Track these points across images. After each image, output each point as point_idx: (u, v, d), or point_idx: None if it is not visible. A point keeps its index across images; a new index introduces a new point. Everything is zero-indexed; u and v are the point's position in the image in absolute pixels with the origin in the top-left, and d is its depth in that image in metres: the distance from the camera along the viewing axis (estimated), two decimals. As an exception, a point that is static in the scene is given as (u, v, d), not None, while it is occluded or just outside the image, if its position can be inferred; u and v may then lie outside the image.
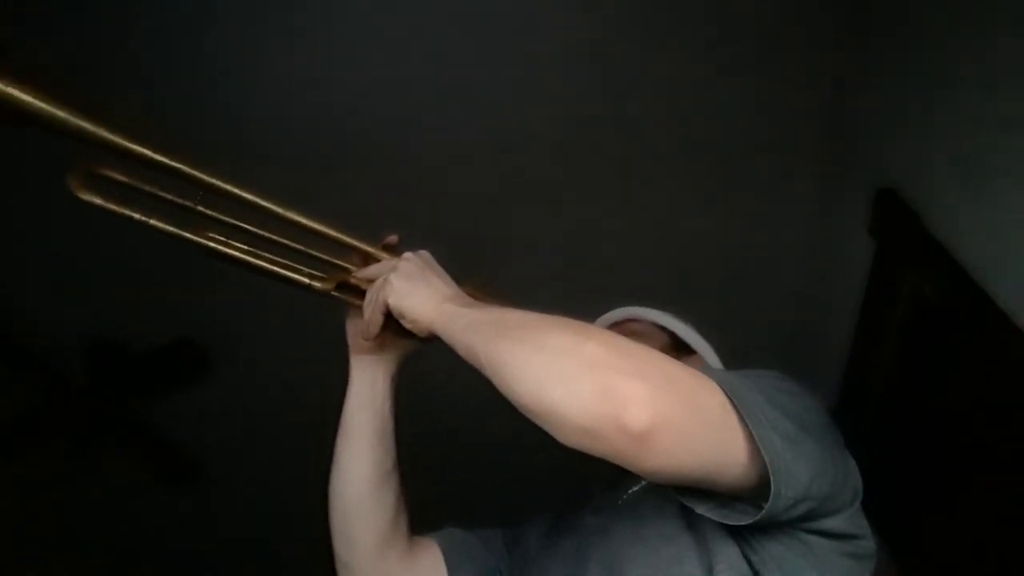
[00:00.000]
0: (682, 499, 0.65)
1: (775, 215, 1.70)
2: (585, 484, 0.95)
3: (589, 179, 1.66)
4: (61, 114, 0.66)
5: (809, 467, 0.62)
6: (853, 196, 1.43)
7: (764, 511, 0.60)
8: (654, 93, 1.57)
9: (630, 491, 0.87)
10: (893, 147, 1.33)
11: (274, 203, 0.81)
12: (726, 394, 0.60)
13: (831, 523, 0.68)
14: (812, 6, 1.50)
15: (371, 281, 0.85)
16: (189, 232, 0.80)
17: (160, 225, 0.77)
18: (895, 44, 1.34)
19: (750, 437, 0.59)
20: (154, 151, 0.72)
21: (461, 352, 0.70)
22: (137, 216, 0.76)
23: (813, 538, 0.68)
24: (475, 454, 1.85)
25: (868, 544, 0.73)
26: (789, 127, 1.60)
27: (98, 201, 0.74)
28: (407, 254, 0.84)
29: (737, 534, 0.69)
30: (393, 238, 0.90)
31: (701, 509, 0.65)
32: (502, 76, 1.56)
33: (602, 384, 0.55)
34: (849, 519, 0.70)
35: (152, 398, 1.92)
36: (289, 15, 1.48)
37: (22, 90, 0.63)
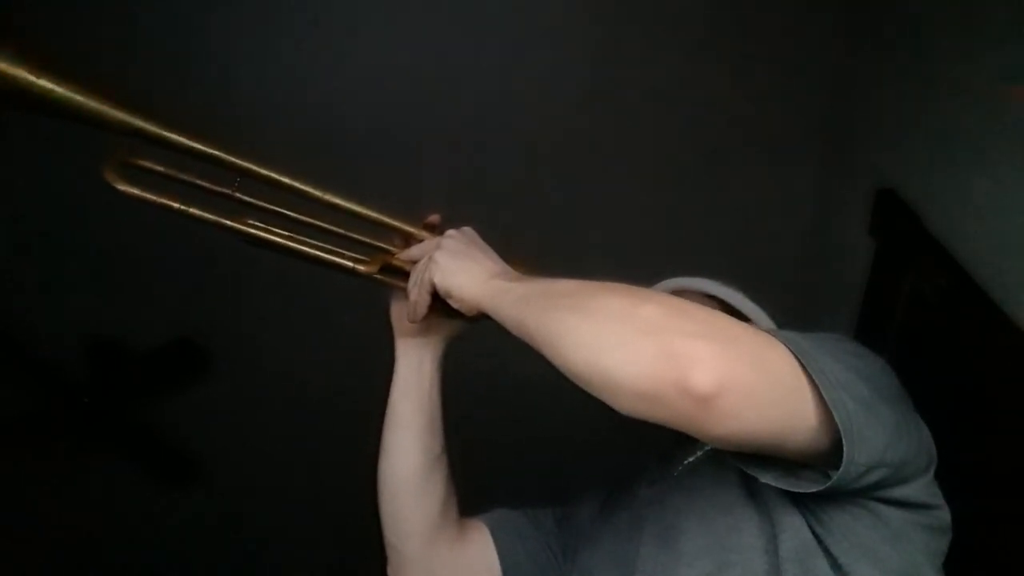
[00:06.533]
0: (745, 467, 0.62)
1: (775, 215, 1.70)
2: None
3: (585, 179, 1.66)
4: (96, 104, 0.65)
5: (883, 432, 0.59)
6: (853, 196, 1.43)
7: (835, 478, 0.57)
8: (653, 92, 1.57)
9: (685, 462, 0.83)
10: (893, 147, 1.33)
11: (312, 185, 0.78)
12: (794, 354, 0.57)
13: (904, 491, 0.64)
14: (812, 6, 1.50)
15: (415, 262, 0.82)
16: (229, 220, 0.77)
17: (199, 213, 0.75)
18: (895, 44, 1.34)
19: (820, 400, 0.56)
20: (190, 138, 0.71)
21: (511, 327, 0.68)
22: (176, 205, 0.73)
23: (884, 508, 0.64)
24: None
25: (944, 515, 0.69)
26: (789, 127, 1.60)
27: (136, 192, 0.72)
28: (451, 231, 0.82)
29: (802, 504, 0.65)
30: (435, 217, 0.87)
31: (766, 478, 0.61)
32: (503, 74, 1.56)
33: (662, 347, 0.53)
34: (923, 487, 0.66)
35: (152, 398, 1.92)
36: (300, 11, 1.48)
37: (58, 82, 0.62)
